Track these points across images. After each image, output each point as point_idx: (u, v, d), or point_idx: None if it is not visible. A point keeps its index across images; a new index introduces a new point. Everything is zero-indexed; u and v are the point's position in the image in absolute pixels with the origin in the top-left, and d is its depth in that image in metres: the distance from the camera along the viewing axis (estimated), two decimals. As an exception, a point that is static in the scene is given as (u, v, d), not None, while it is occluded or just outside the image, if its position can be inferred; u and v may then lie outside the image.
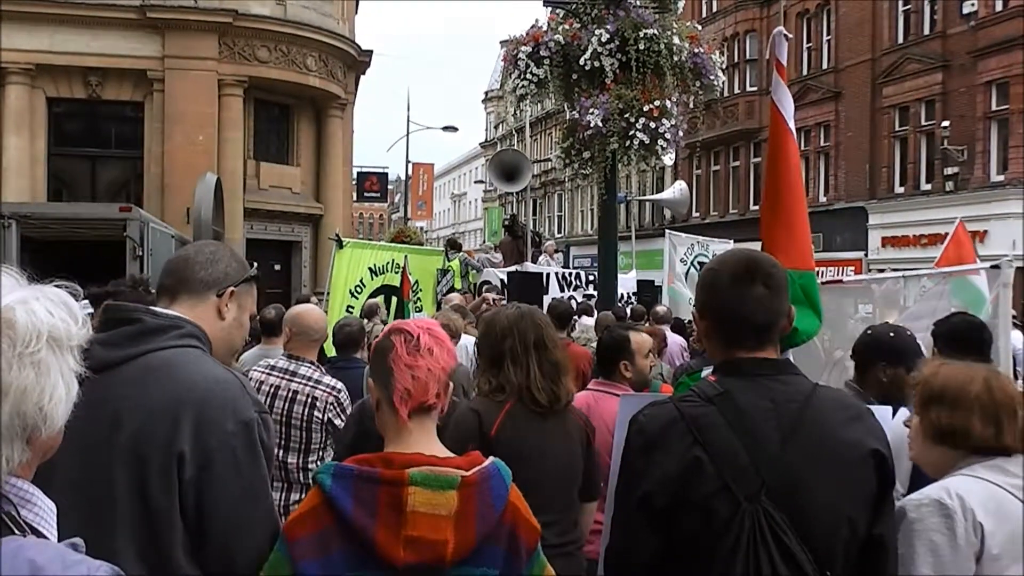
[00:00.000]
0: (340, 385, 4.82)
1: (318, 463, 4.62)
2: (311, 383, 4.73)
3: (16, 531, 1.28)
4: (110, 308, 2.13)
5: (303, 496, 3.30)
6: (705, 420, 1.92)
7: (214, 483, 1.95)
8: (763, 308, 2.03)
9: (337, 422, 4.71)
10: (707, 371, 2.25)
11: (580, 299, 12.59)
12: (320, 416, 4.67)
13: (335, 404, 4.73)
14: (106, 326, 2.09)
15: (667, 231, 15.94)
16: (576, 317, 11.53)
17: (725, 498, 1.85)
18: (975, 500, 2.27)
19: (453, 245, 15.03)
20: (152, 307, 2.17)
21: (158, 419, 1.95)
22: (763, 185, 3.10)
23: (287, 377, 4.73)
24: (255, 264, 2.43)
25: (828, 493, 1.90)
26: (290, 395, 4.68)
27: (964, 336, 3.77)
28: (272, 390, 4.67)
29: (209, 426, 1.97)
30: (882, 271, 17.84)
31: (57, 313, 1.38)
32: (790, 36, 3.10)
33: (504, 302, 10.91)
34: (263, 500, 2.07)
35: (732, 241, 17.14)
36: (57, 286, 1.44)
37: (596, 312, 10.22)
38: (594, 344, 8.81)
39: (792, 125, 3.14)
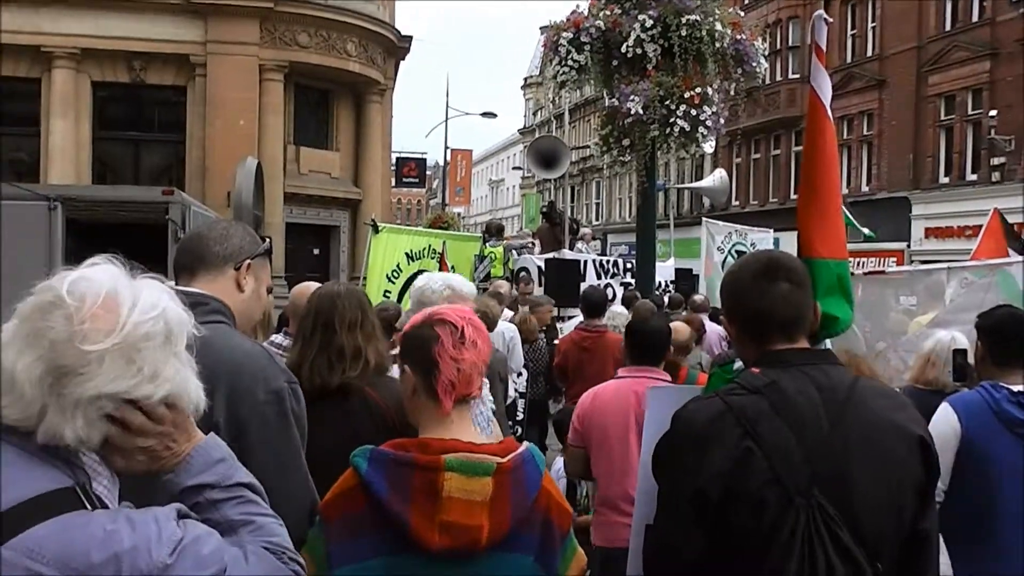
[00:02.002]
0: None
1: None
2: None
3: (86, 502, 1.36)
4: None
5: None
6: (754, 411, 1.88)
7: (248, 452, 1.96)
8: (789, 303, 2.02)
9: None
10: (740, 362, 2.22)
11: (618, 287, 12.54)
12: None
13: None
14: None
15: (704, 219, 15.80)
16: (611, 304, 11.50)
17: (775, 490, 1.82)
18: None
19: (497, 230, 14.95)
20: (175, 287, 2.21)
21: None
22: (801, 172, 3.06)
23: (283, 353, 4.79)
24: (267, 239, 2.45)
25: (877, 482, 1.87)
26: None
27: (1008, 329, 3.69)
28: None
29: (241, 396, 2.01)
30: (925, 262, 17.56)
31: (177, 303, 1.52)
32: (830, 20, 3.04)
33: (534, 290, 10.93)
34: (297, 470, 2.10)
35: (772, 230, 16.95)
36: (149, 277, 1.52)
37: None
38: (623, 330, 8.78)
39: (830, 112, 3.09)
